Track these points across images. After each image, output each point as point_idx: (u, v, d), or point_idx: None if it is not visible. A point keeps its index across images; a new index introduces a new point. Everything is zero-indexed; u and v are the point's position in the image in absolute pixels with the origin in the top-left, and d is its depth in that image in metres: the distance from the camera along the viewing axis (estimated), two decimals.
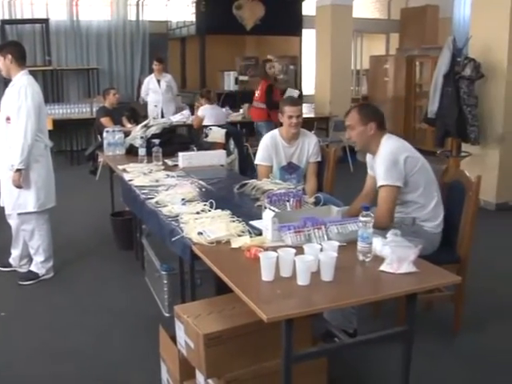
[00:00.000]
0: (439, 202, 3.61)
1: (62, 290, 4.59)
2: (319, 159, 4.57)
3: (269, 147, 4.48)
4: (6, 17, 10.74)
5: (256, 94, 8.69)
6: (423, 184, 3.54)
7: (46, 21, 10.82)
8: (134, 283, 4.66)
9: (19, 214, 4.63)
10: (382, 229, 3.45)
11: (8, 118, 4.43)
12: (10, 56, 4.44)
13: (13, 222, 4.75)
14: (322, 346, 2.85)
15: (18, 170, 4.38)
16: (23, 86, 4.41)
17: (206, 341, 2.52)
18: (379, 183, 3.48)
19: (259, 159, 4.51)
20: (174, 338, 2.88)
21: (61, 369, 3.46)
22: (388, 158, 3.46)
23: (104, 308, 4.26)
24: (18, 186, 4.44)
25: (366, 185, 3.90)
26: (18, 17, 10.87)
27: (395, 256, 2.50)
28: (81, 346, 3.71)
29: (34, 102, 4.41)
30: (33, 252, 4.76)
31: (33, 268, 4.77)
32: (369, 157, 3.81)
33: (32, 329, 3.99)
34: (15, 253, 4.88)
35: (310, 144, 4.54)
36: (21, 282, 4.66)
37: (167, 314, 3.99)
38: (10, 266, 4.91)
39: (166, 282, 3.97)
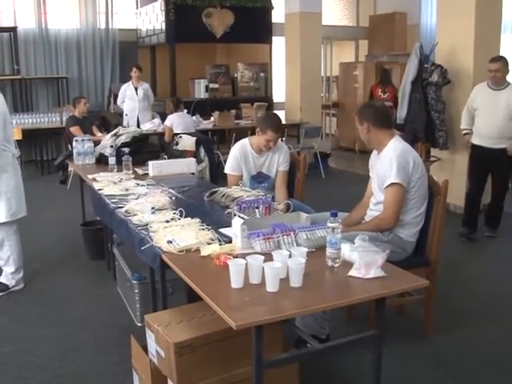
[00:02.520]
0: (424, 213, 3.65)
1: (31, 302, 4.54)
2: (287, 168, 4.52)
3: (237, 157, 4.44)
4: None
5: (383, 95, 9.84)
6: (419, 190, 3.58)
7: (13, 29, 10.74)
8: (106, 293, 4.63)
9: None
10: (386, 231, 3.51)
11: None
12: None
13: None
14: (292, 352, 2.86)
15: None
16: None
17: (176, 349, 2.52)
18: (389, 181, 3.49)
19: (228, 168, 4.48)
20: (145, 348, 2.87)
21: (27, 382, 3.42)
22: (399, 158, 3.50)
23: (74, 319, 4.22)
24: None
25: (367, 189, 3.93)
26: None
27: (363, 261, 2.52)
28: (49, 359, 3.66)
29: None
30: (2, 263, 4.69)
31: (2, 279, 4.69)
32: (372, 157, 3.85)
33: None
34: None
35: (280, 154, 4.50)
36: None
37: (139, 324, 3.97)
38: None
39: (137, 291, 3.95)
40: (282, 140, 5.03)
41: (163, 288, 3.24)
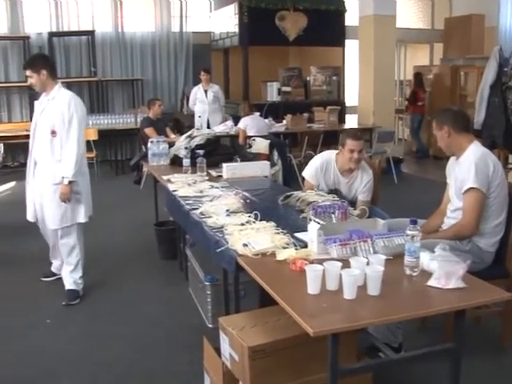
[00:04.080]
0: (504, 222, 3.51)
1: (105, 300, 4.63)
2: (368, 199, 4.25)
3: (318, 170, 4.30)
4: (54, 29, 11.01)
5: (423, 95, 11.49)
6: (499, 197, 3.46)
7: (91, 33, 11.05)
8: (177, 293, 4.68)
9: (63, 228, 4.51)
10: (465, 238, 3.41)
11: (53, 132, 4.35)
12: (44, 71, 4.34)
13: (51, 237, 4.68)
14: (367, 362, 2.82)
15: (70, 182, 4.34)
16: (71, 97, 4.41)
17: (250, 353, 2.51)
18: (467, 186, 3.39)
19: (306, 174, 4.37)
20: (217, 350, 2.87)
21: (100, 379, 3.49)
22: (478, 162, 3.40)
23: (146, 317, 4.29)
24: (67, 199, 4.37)
25: (444, 196, 3.83)
26: (65, 29, 11.13)
27: (443, 271, 2.45)
28: (121, 356, 3.73)
29: (82, 112, 4.43)
30: (71, 268, 4.60)
31: (71, 286, 4.60)
32: (450, 163, 3.76)
33: (74, 337, 4.02)
34: (57, 262, 4.86)
35: (362, 180, 4.27)
36: (70, 303, 4.52)
37: (210, 325, 3.99)
38: (52, 275, 4.92)
39: (209, 292, 3.96)
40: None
41: (236, 291, 3.26)
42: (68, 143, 4.34)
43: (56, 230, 4.53)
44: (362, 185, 4.26)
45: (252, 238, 2.95)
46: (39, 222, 4.64)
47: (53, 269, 4.93)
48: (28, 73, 4.39)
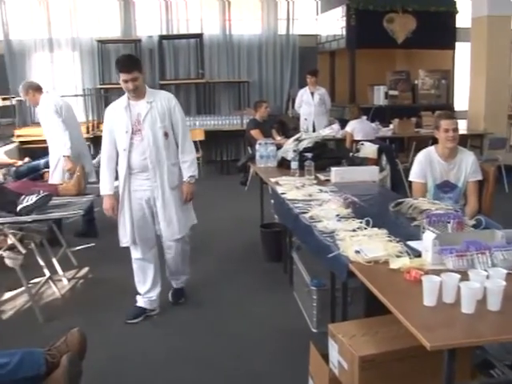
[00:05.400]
0: None
1: (208, 298, 4.70)
2: (479, 177, 4.31)
3: (423, 163, 4.33)
4: (164, 32, 11.36)
5: None
6: None
7: (200, 35, 11.30)
8: (281, 296, 4.68)
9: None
10: None
11: (166, 134, 4.16)
12: (143, 73, 4.13)
13: (157, 254, 4.42)
14: (483, 380, 2.70)
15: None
16: (174, 97, 4.29)
17: (360, 363, 2.47)
18: None
19: (413, 176, 4.37)
20: (324, 356, 2.85)
21: (203, 375, 3.55)
22: None
23: (248, 318, 4.32)
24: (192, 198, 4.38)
25: None
26: (175, 32, 11.46)
27: None
28: (223, 355, 3.77)
29: None
30: (182, 270, 4.61)
31: (179, 286, 4.66)
32: None
33: (178, 334, 4.12)
34: (155, 291, 4.43)
35: (467, 162, 4.31)
36: (177, 301, 4.61)
37: (315, 330, 3.97)
38: (142, 313, 4.39)
39: (315, 297, 3.94)
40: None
41: (344, 297, 3.21)
42: (186, 143, 4.29)
43: (179, 239, 4.36)
44: (469, 166, 4.31)
45: (364, 244, 2.89)
46: (142, 241, 4.29)
47: (143, 305, 4.41)
48: (135, 74, 4.01)
